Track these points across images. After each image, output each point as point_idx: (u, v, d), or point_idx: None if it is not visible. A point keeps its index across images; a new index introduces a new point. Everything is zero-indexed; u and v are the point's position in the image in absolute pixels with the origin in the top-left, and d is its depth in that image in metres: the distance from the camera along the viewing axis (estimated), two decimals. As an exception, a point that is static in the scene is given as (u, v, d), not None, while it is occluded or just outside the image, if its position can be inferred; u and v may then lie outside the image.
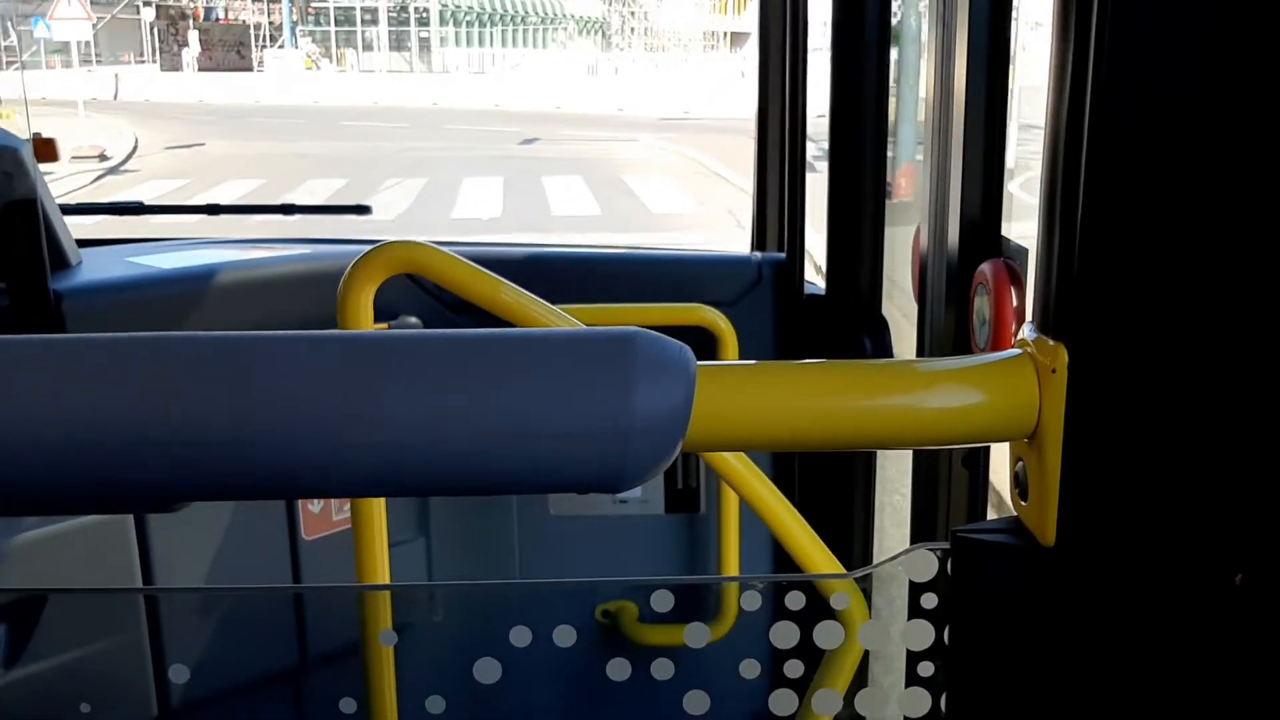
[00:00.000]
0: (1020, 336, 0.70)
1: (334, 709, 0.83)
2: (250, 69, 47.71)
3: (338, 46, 51.94)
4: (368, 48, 52.26)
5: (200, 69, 44.98)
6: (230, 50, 51.85)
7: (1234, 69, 0.62)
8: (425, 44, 53.18)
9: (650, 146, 21.63)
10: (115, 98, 33.04)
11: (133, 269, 2.09)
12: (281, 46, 50.65)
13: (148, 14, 48.79)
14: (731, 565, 2.19)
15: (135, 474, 0.61)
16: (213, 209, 2.59)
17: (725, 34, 56.60)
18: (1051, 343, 0.67)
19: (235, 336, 0.64)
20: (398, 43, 53.53)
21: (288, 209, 2.59)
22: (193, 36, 46.93)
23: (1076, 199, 0.64)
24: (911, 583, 0.73)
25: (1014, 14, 1.51)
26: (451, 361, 0.64)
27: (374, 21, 53.04)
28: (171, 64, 47.20)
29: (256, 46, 51.64)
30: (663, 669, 0.75)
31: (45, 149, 2.25)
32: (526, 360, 0.64)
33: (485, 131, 24.21)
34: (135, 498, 0.71)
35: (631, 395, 0.62)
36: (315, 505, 2.21)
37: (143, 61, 47.45)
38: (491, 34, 56.84)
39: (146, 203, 2.56)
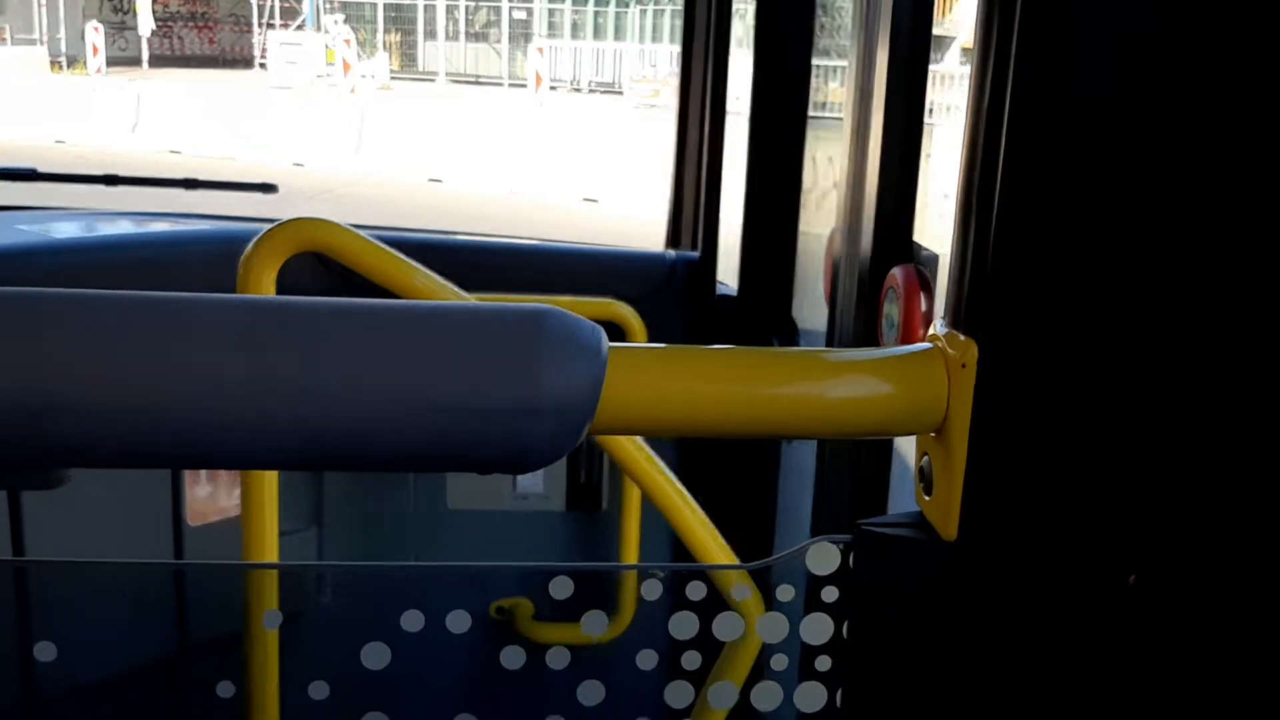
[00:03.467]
0: (932, 330, 0.70)
1: (212, 694, 0.80)
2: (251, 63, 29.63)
3: (386, 31, 30.05)
4: (430, 35, 29.62)
5: (157, 59, 26.77)
6: (245, 31, 31.82)
7: (1144, 82, 0.62)
8: (525, 29, 28.23)
9: None
10: None
11: (22, 237, 2.00)
12: (300, 28, 29.67)
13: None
14: (631, 559, 2.18)
15: (8, 436, 0.58)
16: (111, 179, 2.49)
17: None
18: (962, 338, 0.67)
19: (122, 295, 0.60)
20: (486, 27, 29.62)
21: (190, 183, 2.51)
22: (143, 5, 27.19)
23: (992, 199, 0.64)
24: (812, 575, 0.72)
25: (933, 26, 1.53)
26: (354, 330, 0.61)
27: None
28: (89, 51, 25.76)
29: (259, 26, 31.10)
30: (559, 658, 0.73)
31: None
32: (433, 333, 0.62)
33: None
34: (8, 463, 0.67)
35: (540, 373, 0.60)
36: (202, 490, 2.14)
37: (33, 42, 27.69)
38: (655, 19, 27.07)
39: (40, 170, 2.45)
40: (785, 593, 0.73)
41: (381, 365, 0.60)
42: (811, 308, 2.05)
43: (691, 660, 0.74)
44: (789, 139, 2.02)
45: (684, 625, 0.72)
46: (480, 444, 0.62)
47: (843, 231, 1.66)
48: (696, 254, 2.28)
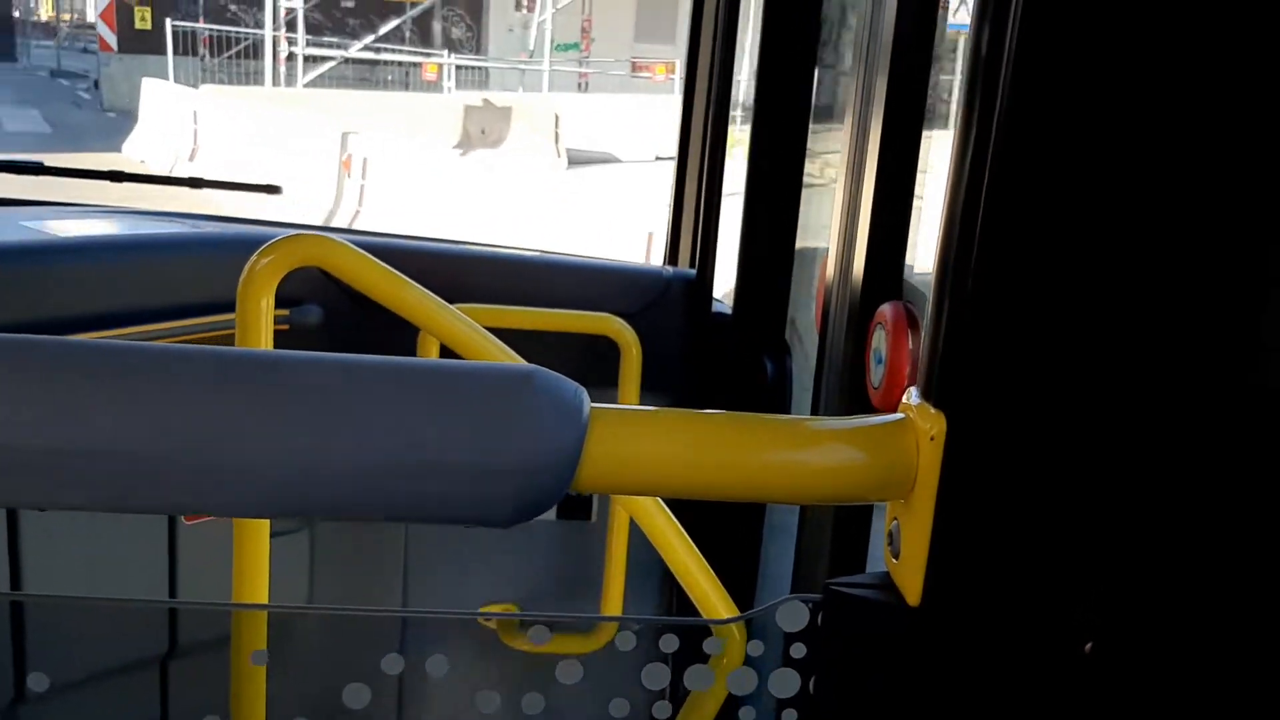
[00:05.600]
0: (905, 401, 0.73)
1: (203, 699, 0.82)
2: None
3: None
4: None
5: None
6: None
7: (1128, 161, 0.65)
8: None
9: None
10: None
11: (26, 234, 2.02)
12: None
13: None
14: (617, 575, 2.20)
15: (12, 479, 0.60)
16: (117, 175, 2.51)
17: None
18: (933, 411, 0.69)
19: (129, 346, 0.63)
20: None
21: (196, 182, 2.53)
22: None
23: (967, 278, 0.67)
24: (782, 631, 0.75)
25: (933, 67, 1.55)
26: (346, 388, 0.64)
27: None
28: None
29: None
30: (533, 704, 0.76)
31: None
32: (422, 391, 0.64)
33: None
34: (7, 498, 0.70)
35: (525, 435, 0.63)
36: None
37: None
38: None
39: (47, 163, 2.47)
40: (755, 647, 0.76)
41: (370, 422, 0.62)
42: (805, 330, 2.07)
43: (662, 710, 0.76)
44: (788, 162, 2.04)
45: (656, 676, 0.74)
46: (464, 501, 0.64)
47: (836, 263, 1.68)
48: (693, 272, 2.30)
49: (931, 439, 0.69)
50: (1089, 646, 0.70)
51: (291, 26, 19.40)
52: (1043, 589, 0.70)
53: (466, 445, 0.63)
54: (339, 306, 2.10)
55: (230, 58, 19.74)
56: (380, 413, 0.62)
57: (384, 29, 20.85)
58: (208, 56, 19.72)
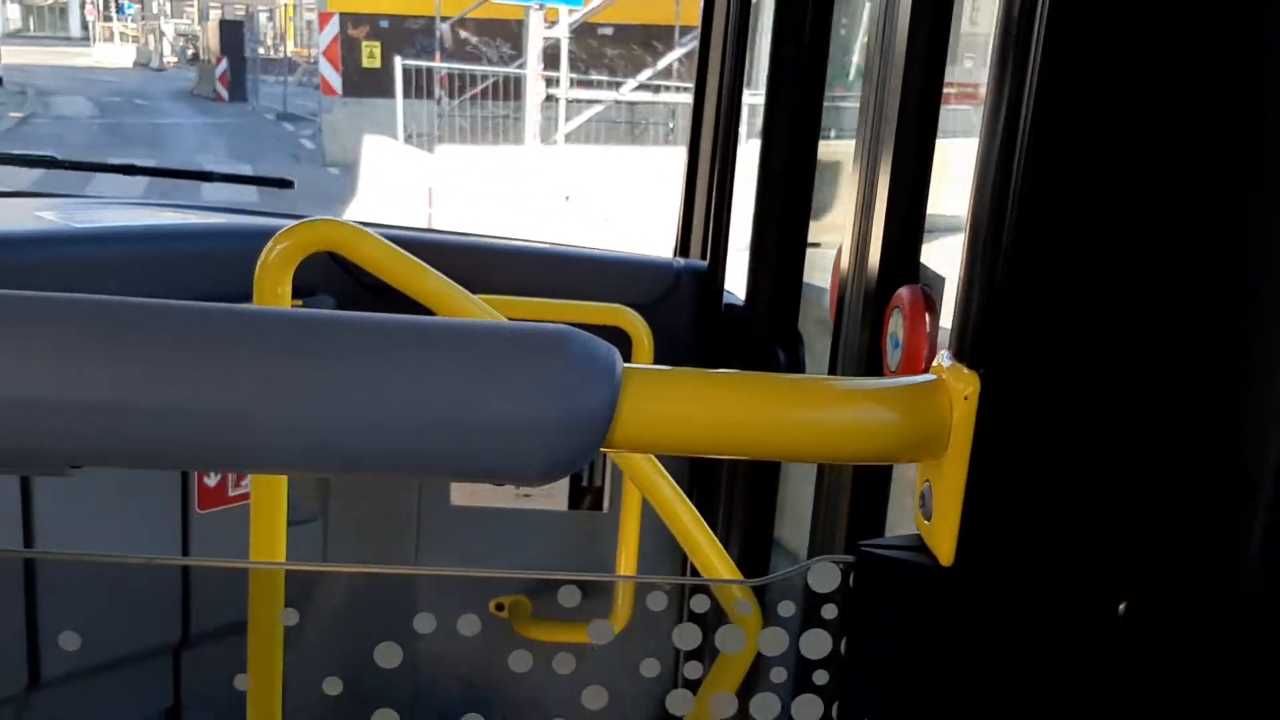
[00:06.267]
0: (937, 362, 0.73)
1: (216, 687, 0.82)
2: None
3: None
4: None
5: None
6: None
7: (1164, 117, 0.64)
8: None
9: None
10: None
11: (41, 224, 2.02)
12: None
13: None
14: (630, 567, 2.20)
15: (31, 433, 0.60)
16: (129, 169, 2.52)
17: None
18: (966, 371, 0.69)
19: (151, 303, 0.63)
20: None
21: (207, 175, 2.54)
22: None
23: (1001, 235, 0.67)
24: (813, 592, 0.74)
25: (949, 51, 1.55)
26: (384, 343, 0.64)
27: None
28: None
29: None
30: (564, 663, 0.76)
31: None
32: (458, 348, 0.64)
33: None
34: (29, 459, 0.70)
35: (558, 392, 0.63)
36: (211, 478, 2.16)
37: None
38: None
39: (60, 157, 2.48)
40: (786, 608, 0.76)
41: (406, 378, 0.63)
42: (818, 320, 2.07)
43: (692, 669, 0.76)
44: (801, 152, 2.04)
45: (688, 636, 0.74)
46: (496, 458, 0.64)
47: (851, 249, 1.68)
48: (704, 263, 2.30)
49: (965, 399, 0.68)
50: (1123, 607, 0.70)
51: (550, 63, 14.86)
52: (1076, 549, 0.70)
53: (502, 402, 0.63)
54: (352, 295, 2.10)
55: (472, 98, 15.32)
56: (419, 369, 0.63)
57: (661, 63, 16.14)
58: (445, 99, 15.46)
